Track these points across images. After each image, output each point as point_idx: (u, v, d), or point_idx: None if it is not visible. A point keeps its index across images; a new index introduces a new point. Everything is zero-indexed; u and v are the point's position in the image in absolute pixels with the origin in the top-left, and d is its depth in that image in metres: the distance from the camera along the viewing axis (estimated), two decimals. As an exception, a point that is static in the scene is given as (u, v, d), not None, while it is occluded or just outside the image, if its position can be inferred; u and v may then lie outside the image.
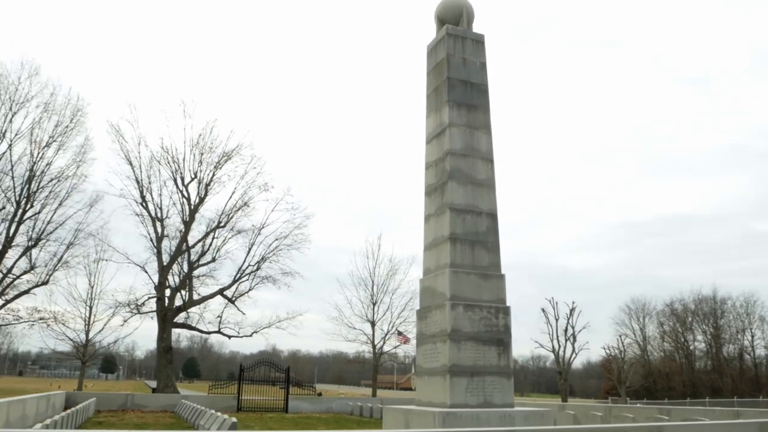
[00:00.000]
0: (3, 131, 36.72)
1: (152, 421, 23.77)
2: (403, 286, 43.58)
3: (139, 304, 44.91)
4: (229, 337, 50.21)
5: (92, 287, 42.04)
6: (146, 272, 44.96)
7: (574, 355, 56.22)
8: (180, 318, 47.31)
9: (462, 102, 16.47)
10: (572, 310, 54.67)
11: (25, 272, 39.27)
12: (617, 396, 63.29)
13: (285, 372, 34.26)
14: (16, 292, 38.61)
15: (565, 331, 55.11)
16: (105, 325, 41.78)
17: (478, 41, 17.30)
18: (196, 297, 47.05)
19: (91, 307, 41.13)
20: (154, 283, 45.17)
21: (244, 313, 48.51)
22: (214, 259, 47.49)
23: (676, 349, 78.88)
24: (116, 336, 45.62)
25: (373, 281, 43.75)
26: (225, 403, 32.09)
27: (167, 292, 45.37)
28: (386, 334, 42.85)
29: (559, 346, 55.58)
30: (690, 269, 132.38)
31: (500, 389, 14.44)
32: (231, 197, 44.87)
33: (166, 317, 44.74)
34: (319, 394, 45.11)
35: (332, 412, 34.06)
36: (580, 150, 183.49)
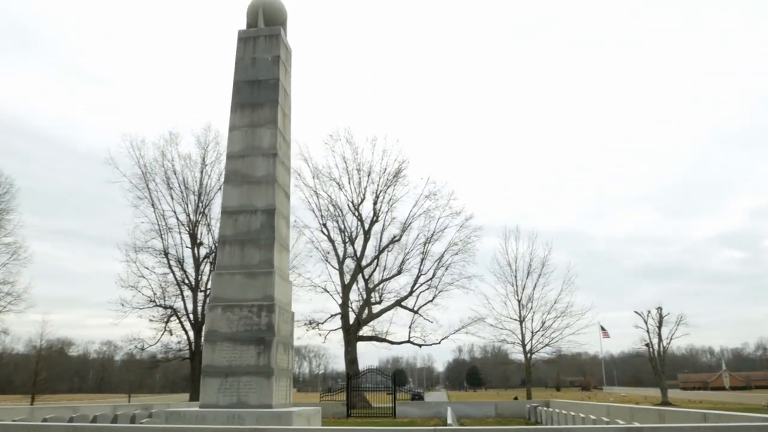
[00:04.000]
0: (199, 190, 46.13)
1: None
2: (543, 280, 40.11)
3: (320, 322, 50.14)
4: (420, 345, 52.42)
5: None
6: (328, 292, 50.09)
7: None
8: (367, 331, 51.50)
9: (247, 103, 16.49)
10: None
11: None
12: None
13: (391, 378, 34.97)
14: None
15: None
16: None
17: (272, 36, 17.03)
18: (376, 310, 50.76)
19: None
20: (337, 302, 50.01)
21: (431, 321, 50.40)
22: (399, 272, 50.75)
23: None
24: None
25: (515, 276, 41.25)
26: (335, 409, 34.25)
27: (354, 306, 49.97)
28: (533, 333, 39.71)
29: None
30: None
31: (257, 389, 14.03)
32: (376, 208, 47.53)
33: (349, 331, 49.13)
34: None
35: (439, 416, 33.45)
36: None
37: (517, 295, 40.61)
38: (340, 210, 50.11)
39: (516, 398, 50.30)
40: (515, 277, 41.04)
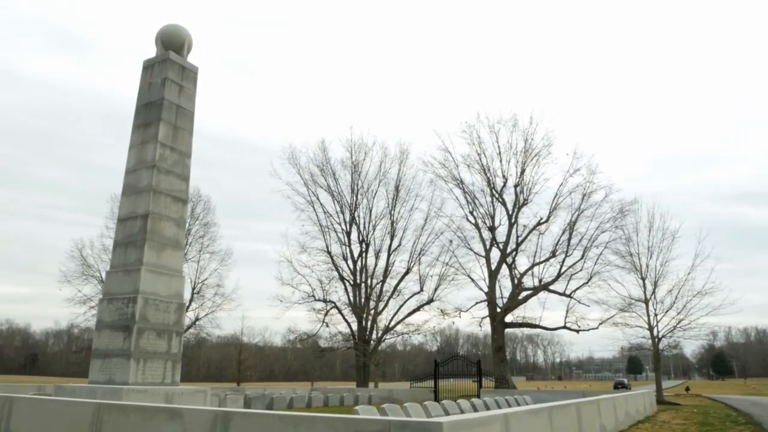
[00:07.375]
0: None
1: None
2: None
3: (463, 309, 50.66)
4: (577, 331, 50.19)
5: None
6: (473, 280, 50.63)
7: None
8: (516, 318, 50.80)
9: (141, 123, 19.11)
10: None
11: (414, 294, 51.06)
12: None
13: (476, 365, 34.15)
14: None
15: None
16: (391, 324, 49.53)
17: (164, 60, 19.35)
18: (522, 296, 49.82)
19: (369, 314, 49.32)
20: (483, 290, 50.42)
21: (587, 305, 48.23)
22: (554, 254, 49.52)
23: None
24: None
25: (637, 252, 36.88)
26: (424, 396, 34.97)
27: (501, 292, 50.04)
28: (657, 316, 34.98)
29: None
30: None
31: (121, 369, 16.58)
32: (516, 190, 46.28)
33: (495, 319, 49.15)
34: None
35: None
36: None
37: (640, 273, 36.07)
38: (480, 198, 50.13)
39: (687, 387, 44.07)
40: (638, 253, 36.49)
